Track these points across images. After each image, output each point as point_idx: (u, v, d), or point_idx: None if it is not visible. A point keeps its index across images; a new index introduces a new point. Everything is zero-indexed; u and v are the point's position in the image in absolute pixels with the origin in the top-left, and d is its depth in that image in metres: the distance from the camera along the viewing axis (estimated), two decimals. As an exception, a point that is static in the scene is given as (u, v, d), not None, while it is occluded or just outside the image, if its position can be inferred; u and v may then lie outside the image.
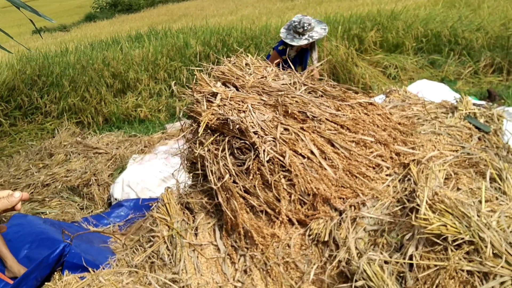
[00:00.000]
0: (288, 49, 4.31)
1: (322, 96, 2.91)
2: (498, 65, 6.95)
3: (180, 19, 16.16)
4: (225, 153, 2.65)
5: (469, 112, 2.90)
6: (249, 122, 2.66)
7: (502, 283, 1.89)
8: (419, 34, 7.69)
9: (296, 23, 4.12)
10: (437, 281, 1.92)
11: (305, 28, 4.06)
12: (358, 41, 7.69)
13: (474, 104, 4.79)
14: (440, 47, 7.54)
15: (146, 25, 14.55)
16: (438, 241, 1.99)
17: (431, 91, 5.34)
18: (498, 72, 6.93)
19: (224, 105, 2.81)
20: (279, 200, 2.51)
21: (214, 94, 2.91)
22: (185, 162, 3.03)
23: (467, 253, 1.96)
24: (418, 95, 5.41)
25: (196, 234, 2.70)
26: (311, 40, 4.09)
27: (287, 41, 4.19)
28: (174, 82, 3.46)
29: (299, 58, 4.48)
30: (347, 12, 9.24)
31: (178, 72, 7.70)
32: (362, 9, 10.34)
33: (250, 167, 2.58)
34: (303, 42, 4.08)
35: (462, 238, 1.95)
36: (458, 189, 2.35)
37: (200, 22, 11.92)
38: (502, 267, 1.90)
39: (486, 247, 1.92)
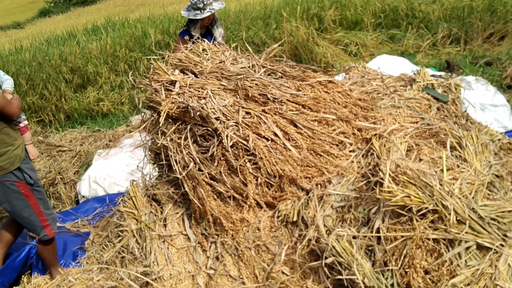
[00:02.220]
0: (191, 29, 4.46)
1: (281, 77, 2.90)
2: (455, 35, 7.06)
3: (138, 9, 15.82)
4: (188, 141, 2.61)
5: (427, 84, 2.95)
6: (210, 108, 2.63)
7: (467, 248, 1.94)
8: (377, 10, 7.74)
9: (196, 1, 4.27)
10: (404, 252, 1.95)
11: (205, 2, 4.23)
12: (318, 20, 7.69)
13: (433, 76, 4.88)
14: (398, 21, 7.61)
15: (103, 17, 14.17)
16: (403, 212, 2.02)
17: (391, 65, 5.40)
18: (456, 43, 7.05)
19: (184, 92, 2.77)
20: (246, 185, 2.50)
21: (173, 82, 2.86)
22: (149, 153, 2.98)
23: (432, 221, 1.99)
24: (379, 70, 5.47)
25: (165, 225, 2.67)
26: (213, 11, 4.28)
27: (191, 17, 4.33)
28: (131, 73, 3.40)
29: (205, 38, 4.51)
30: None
31: (138, 63, 7.55)
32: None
33: (215, 153, 2.56)
34: (206, 14, 4.24)
35: (426, 208, 1.99)
36: (420, 160, 2.39)
37: (158, 11, 11.70)
38: (466, 232, 1.95)
39: (449, 214, 1.96)
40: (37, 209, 2.89)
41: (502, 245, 1.95)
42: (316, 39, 7.15)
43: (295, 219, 2.35)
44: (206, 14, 4.27)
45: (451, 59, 5.67)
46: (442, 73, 5.11)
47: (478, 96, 4.08)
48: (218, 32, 4.54)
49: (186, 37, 4.49)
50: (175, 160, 2.62)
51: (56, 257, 3.04)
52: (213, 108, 2.65)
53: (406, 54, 6.78)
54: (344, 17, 7.86)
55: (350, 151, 2.58)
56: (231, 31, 7.82)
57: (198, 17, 4.29)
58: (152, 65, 3.06)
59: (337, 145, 2.61)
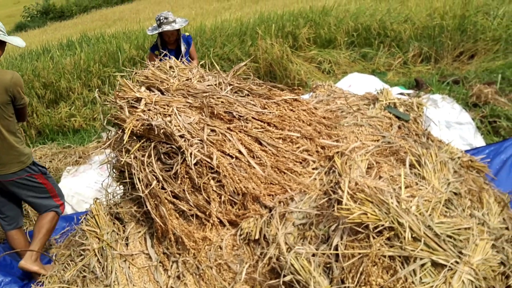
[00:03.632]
0: (159, 44, 4.87)
1: (248, 95, 2.92)
2: (426, 54, 7.23)
3: (115, 24, 15.81)
4: (152, 159, 2.61)
5: (389, 102, 3.01)
6: (175, 126, 2.63)
7: (422, 265, 1.97)
8: (350, 28, 7.88)
9: (157, 19, 4.70)
10: (361, 269, 1.97)
11: (161, 21, 4.59)
12: (292, 38, 7.80)
13: (401, 94, 4.98)
14: (371, 40, 7.76)
15: (80, 31, 14.11)
16: (360, 229, 2.04)
17: (362, 83, 5.50)
18: (426, 61, 7.21)
19: (149, 110, 2.77)
20: (209, 203, 2.50)
21: (138, 100, 2.86)
22: (114, 171, 2.97)
23: (388, 239, 2.02)
24: (350, 88, 5.57)
25: (127, 244, 2.64)
26: (174, 27, 4.61)
27: (155, 32, 4.75)
28: (97, 90, 3.43)
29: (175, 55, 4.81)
30: (281, 10, 9.34)
31: (112, 78, 7.52)
32: (296, 6, 10.51)
33: (178, 171, 2.56)
34: (167, 28, 4.58)
35: (382, 225, 2.02)
36: (380, 177, 2.42)
37: (135, 26, 11.71)
38: (421, 250, 1.98)
39: (405, 231, 1.99)
40: (53, 193, 3.37)
41: (457, 262, 1.98)
42: (290, 56, 7.24)
43: (257, 237, 2.36)
44: (166, 28, 4.58)
45: (420, 78, 5.80)
46: (411, 91, 5.24)
47: (444, 114, 4.18)
48: (183, 48, 4.82)
49: (157, 52, 4.74)
50: (138, 178, 2.61)
51: (50, 235, 3.33)
52: (178, 126, 2.65)
53: (377, 72, 6.91)
54: (318, 36, 7.99)
55: (313, 169, 2.61)
56: (207, 47, 7.86)
57: (159, 30, 4.62)
58: (118, 82, 3.06)
59: (301, 163, 2.64)
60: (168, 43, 4.88)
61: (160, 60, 3.26)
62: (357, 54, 7.66)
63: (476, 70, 6.02)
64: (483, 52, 6.77)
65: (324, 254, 2.10)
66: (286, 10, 8.99)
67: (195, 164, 2.51)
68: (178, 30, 4.81)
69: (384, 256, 1.97)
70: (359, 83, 5.53)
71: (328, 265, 2.09)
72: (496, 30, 6.86)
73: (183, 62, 3.26)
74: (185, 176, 2.56)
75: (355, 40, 7.87)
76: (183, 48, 4.84)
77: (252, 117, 2.72)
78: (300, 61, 7.40)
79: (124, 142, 2.71)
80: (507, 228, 2.53)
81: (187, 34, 5.24)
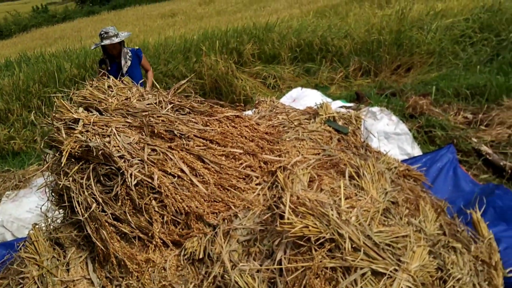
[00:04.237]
0: (105, 58, 4.94)
1: (189, 113, 2.91)
2: (366, 68, 7.50)
3: (56, 42, 15.41)
4: (91, 181, 2.54)
5: (329, 116, 3.08)
6: (114, 146, 2.58)
7: (362, 274, 2.01)
8: (293, 44, 8.06)
9: (99, 34, 4.82)
10: (304, 282, 1.99)
11: (102, 35, 4.71)
12: (237, 54, 7.88)
13: (343, 107, 5.12)
14: (313, 55, 7.97)
15: (19, 51, 13.63)
16: (302, 242, 2.07)
17: (306, 97, 5.62)
18: (367, 75, 7.48)
19: (87, 131, 2.70)
20: (151, 224, 2.46)
21: (76, 120, 2.79)
22: (52, 195, 2.87)
23: (330, 250, 2.06)
24: (294, 102, 5.67)
25: (68, 270, 2.54)
26: (113, 41, 4.68)
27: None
28: (33, 112, 3.33)
29: (119, 71, 4.92)
30: (225, 26, 9.42)
31: (52, 99, 7.28)
32: (240, 22, 10.64)
33: (119, 193, 2.50)
34: (106, 42, 4.69)
35: (324, 237, 2.05)
36: (321, 189, 2.47)
37: (77, 44, 11.45)
38: (361, 259, 2.02)
39: (345, 242, 2.03)
40: None
41: (396, 269, 2.04)
42: (235, 72, 7.31)
43: (201, 256, 2.33)
44: (106, 42, 4.66)
45: (360, 91, 5.99)
46: (352, 104, 5.40)
47: (382, 125, 4.33)
48: (123, 62, 4.87)
49: (104, 66, 4.87)
50: (78, 201, 2.53)
51: None
52: (117, 146, 2.60)
53: (321, 86, 7.09)
54: (263, 51, 8.12)
55: (257, 184, 2.62)
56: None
57: (99, 44, 4.74)
58: (55, 103, 2.98)
59: (244, 179, 2.65)
60: (115, 57, 4.92)
61: (108, 71, 3.24)
62: (301, 69, 7.83)
63: (412, 82, 6.29)
64: (418, 65, 7.10)
65: (268, 269, 2.11)
66: (230, 26, 9.08)
67: (135, 185, 2.46)
68: (121, 44, 4.85)
69: (326, 268, 2.00)
70: (303, 97, 5.65)
71: (272, 280, 2.09)
72: (430, 44, 7.22)
73: (121, 79, 3.21)
74: (126, 197, 2.50)
75: (299, 56, 8.05)
76: (123, 62, 4.88)
77: (194, 135, 2.71)
78: (245, 76, 7.48)
79: (62, 164, 2.63)
80: (444, 234, 2.64)
81: (136, 47, 5.29)
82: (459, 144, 4.16)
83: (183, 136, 2.70)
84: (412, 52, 7.25)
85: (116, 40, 4.69)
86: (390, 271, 2.01)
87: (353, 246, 2.05)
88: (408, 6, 7.92)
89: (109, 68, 4.87)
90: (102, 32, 4.75)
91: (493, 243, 2.71)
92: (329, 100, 5.61)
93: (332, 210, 2.16)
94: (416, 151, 4.19)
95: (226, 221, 2.44)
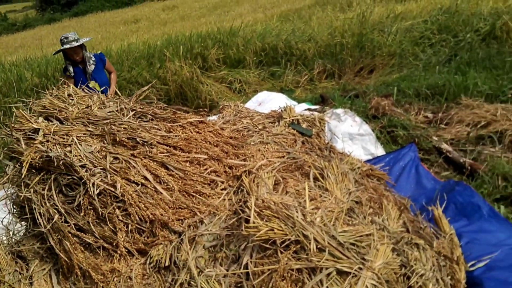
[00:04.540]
0: (67, 67, 4.89)
1: (152, 119, 2.89)
2: (330, 71, 7.59)
3: (17, 51, 15.01)
4: (53, 192, 2.48)
5: (293, 119, 3.11)
6: (75, 156, 2.53)
7: (328, 274, 2.03)
8: (257, 48, 8.09)
9: (62, 37, 4.79)
10: (270, 285, 2.00)
11: (63, 40, 4.71)
12: (202, 59, 7.85)
13: (309, 109, 5.17)
14: (278, 59, 8.01)
15: (-23, 60, 13.20)
16: (268, 246, 2.07)
17: (271, 101, 5.65)
18: (331, 77, 7.57)
19: (47, 141, 2.64)
20: (116, 233, 2.42)
21: (36, 130, 2.72)
22: (14, 207, 2.78)
23: (295, 252, 2.07)
24: (260, 106, 5.68)
25: (31, 283, 2.47)
26: (72, 45, 4.66)
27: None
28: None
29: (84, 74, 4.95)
30: (189, 31, 9.39)
31: (14, 109, 7.08)
32: (205, 27, 10.62)
33: (81, 203, 2.45)
34: (65, 47, 4.67)
35: (289, 239, 2.06)
36: (287, 192, 2.49)
37: (38, 53, 11.19)
38: (326, 259, 2.05)
39: (310, 243, 2.05)
40: None
41: (360, 268, 2.07)
42: (200, 77, 7.28)
43: (167, 263, 2.31)
44: (65, 46, 4.64)
45: (324, 93, 6.06)
46: (317, 107, 5.46)
47: (346, 127, 4.39)
48: (88, 66, 4.84)
49: (68, 73, 4.86)
50: (39, 213, 2.47)
51: None
52: (79, 155, 2.56)
53: (286, 89, 7.13)
54: (227, 56, 8.12)
55: (222, 189, 2.62)
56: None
57: (60, 49, 4.74)
58: (14, 113, 2.90)
59: (209, 184, 2.64)
60: (78, 63, 4.89)
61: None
62: (266, 73, 7.86)
63: (374, 83, 6.41)
64: (380, 66, 7.24)
65: (234, 274, 2.11)
66: (194, 31, 9.05)
67: (98, 194, 2.43)
68: (82, 48, 4.82)
69: (292, 270, 2.01)
70: (269, 101, 5.68)
71: (239, 285, 2.09)
72: (391, 46, 7.37)
73: (87, 84, 3.16)
74: (89, 207, 2.46)
75: (264, 60, 8.09)
76: (88, 67, 4.85)
77: (157, 142, 2.69)
78: (210, 81, 7.46)
79: (23, 176, 2.56)
80: (407, 231, 2.70)
81: (98, 52, 5.26)
82: (421, 142, 4.26)
83: (146, 143, 2.67)
84: (374, 54, 7.38)
85: (75, 44, 4.66)
86: (355, 270, 2.04)
87: (318, 247, 2.07)
88: (369, 10, 8.09)
89: (72, 74, 4.84)
90: (62, 38, 4.74)
91: (455, 238, 2.78)
92: (295, 103, 5.66)
93: (297, 212, 2.18)
94: (380, 151, 4.26)
95: (191, 227, 2.43)
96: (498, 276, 2.48)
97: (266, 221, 2.13)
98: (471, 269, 2.60)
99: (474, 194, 3.24)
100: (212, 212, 2.49)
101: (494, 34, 6.83)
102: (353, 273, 2.04)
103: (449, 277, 2.46)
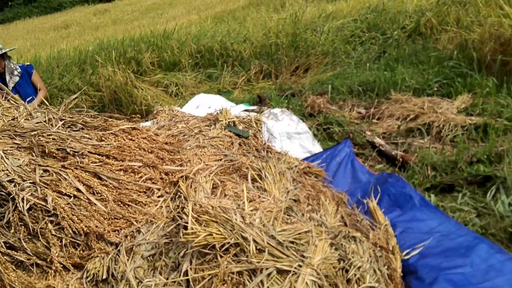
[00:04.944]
0: None
1: (82, 128, 2.79)
2: (267, 71, 7.67)
3: None
4: (-23, 211, 2.34)
5: (229, 121, 3.11)
6: (2, 171, 2.41)
7: (268, 275, 2.05)
8: (193, 51, 8.05)
9: None
10: (211, 290, 1.98)
11: None
12: (136, 63, 7.71)
13: (247, 110, 5.19)
14: (214, 61, 8.01)
15: None
16: (207, 251, 2.06)
17: (209, 103, 5.62)
18: (268, 78, 7.65)
19: (-31, 157, 2.49)
20: (49, 249, 2.32)
21: (-44, 146, 2.56)
22: None
23: (235, 255, 2.07)
24: (198, 109, 5.64)
25: (-43, 311, 2.32)
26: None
27: None
28: None
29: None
30: (122, 35, 9.19)
31: None
32: (138, 31, 10.42)
33: (11, 219, 2.33)
34: None
35: (228, 242, 2.06)
36: (225, 195, 2.49)
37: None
38: (266, 260, 2.06)
39: (249, 245, 2.06)
40: None
41: (300, 265, 2.10)
42: (134, 82, 7.13)
43: (105, 276, 2.24)
44: None
45: (262, 94, 6.11)
46: (255, 107, 5.49)
47: (284, 126, 4.44)
48: (12, 81, 4.57)
49: None
50: (-37, 234, 2.32)
51: None
52: (6, 170, 2.43)
53: (224, 91, 7.13)
54: (162, 59, 8.02)
55: (159, 197, 2.58)
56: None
57: None
58: None
59: (145, 192, 2.59)
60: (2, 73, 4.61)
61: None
62: (203, 75, 7.83)
63: (310, 82, 6.55)
64: (315, 65, 7.40)
65: (175, 282, 2.08)
66: (127, 35, 8.87)
67: (29, 210, 2.32)
68: (4, 58, 4.56)
69: (233, 273, 2.01)
70: (206, 104, 5.65)
71: (180, 292, 2.07)
72: (324, 45, 7.56)
73: (6, 96, 3.01)
74: (19, 223, 2.34)
75: (200, 62, 8.05)
76: (7, 78, 4.57)
77: (89, 152, 2.60)
78: (146, 86, 7.33)
79: None
80: (345, 225, 2.77)
81: (26, 63, 4.96)
82: (355, 138, 4.39)
83: (76, 153, 2.58)
84: (308, 54, 7.53)
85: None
86: (295, 268, 2.07)
87: (258, 247, 2.09)
88: (301, 10, 8.24)
89: None
90: None
91: (389, 229, 2.88)
92: (233, 104, 5.67)
93: (235, 214, 2.18)
94: (317, 148, 4.35)
95: (128, 237, 2.37)
96: (431, 263, 2.60)
97: (204, 226, 2.12)
98: (406, 257, 2.71)
99: (406, 185, 3.39)
100: (149, 221, 2.44)
101: (419, 30, 7.16)
102: (293, 271, 2.06)
103: (386, 267, 2.54)
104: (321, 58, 7.44)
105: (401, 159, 3.91)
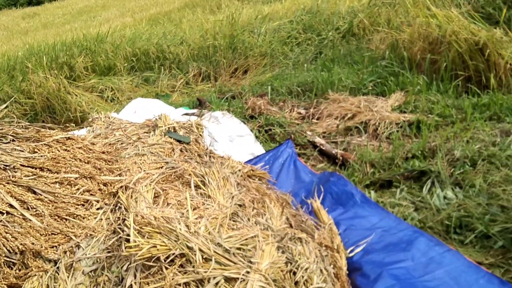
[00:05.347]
0: None
1: (13, 140, 2.63)
2: (205, 73, 7.60)
3: None
4: None
5: (169, 127, 3.04)
6: None
7: (216, 283, 2.01)
8: (128, 54, 7.84)
9: None
10: (157, 303, 1.92)
11: None
12: (68, 68, 7.40)
13: (186, 114, 5.11)
14: (151, 64, 7.84)
15: None
16: (152, 263, 2.00)
17: (147, 108, 5.49)
18: (207, 80, 7.58)
19: None
20: (-20, 271, 2.16)
21: None
22: None
23: (181, 266, 2.02)
24: (135, 114, 5.49)
25: None
26: None
27: None
28: None
29: None
30: (53, 40, 8.79)
31: None
32: (70, 34, 10.03)
33: None
34: None
35: (174, 253, 2.01)
36: (168, 204, 2.42)
37: None
38: (214, 268, 2.02)
39: (195, 255, 2.01)
40: None
41: (248, 272, 2.08)
42: (68, 88, 6.82)
43: (43, 296, 2.12)
44: None
45: (201, 97, 6.05)
46: (195, 110, 5.43)
47: (225, 129, 4.42)
48: None
49: None
50: None
51: None
52: None
53: (162, 95, 6.99)
54: (97, 63, 7.76)
55: (98, 209, 2.47)
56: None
57: None
58: None
59: (83, 205, 2.47)
60: None
61: None
62: (140, 79, 7.64)
63: (249, 84, 6.56)
64: (254, 67, 7.42)
65: (119, 297, 2.00)
66: (58, 40, 8.50)
67: (-46, 231, 2.14)
68: None
69: (179, 284, 1.96)
70: (144, 108, 5.51)
71: (125, 308, 1.99)
72: (262, 46, 7.60)
73: None
74: None
75: (136, 65, 7.86)
76: None
77: (21, 165, 2.45)
78: (80, 91, 7.04)
79: None
80: (290, 226, 2.79)
81: None
82: (296, 138, 4.44)
83: (8, 167, 2.43)
84: (246, 55, 7.54)
85: None
86: (243, 275, 2.05)
87: (204, 257, 2.05)
88: (238, 11, 8.25)
89: None
90: None
91: (334, 228, 2.93)
92: (172, 108, 5.57)
93: (179, 224, 2.13)
94: (259, 150, 4.36)
95: (67, 253, 2.25)
96: (375, 258, 2.66)
97: (147, 238, 2.05)
98: (350, 255, 2.76)
99: (347, 183, 3.46)
100: (88, 235, 2.33)
101: (352, 31, 7.36)
102: (241, 278, 2.04)
103: (332, 266, 2.58)
104: (259, 59, 7.47)
105: (341, 158, 4.00)
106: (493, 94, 4.42)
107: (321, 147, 4.28)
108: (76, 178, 2.51)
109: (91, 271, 2.18)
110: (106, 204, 2.48)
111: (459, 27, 4.73)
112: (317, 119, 4.85)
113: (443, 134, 3.87)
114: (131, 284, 2.00)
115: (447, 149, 3.58)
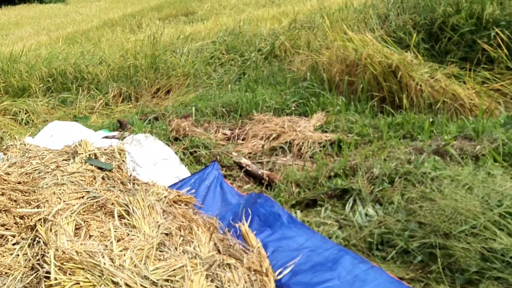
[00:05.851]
0: None
1: None
2: (126, 93, 7.42)
3: None
4: None
5: (90, 154, 2.92)
6: None
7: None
8: (44, 74, 7.51)
9: None
10: None
11: None
12: (-23, 90, 6.93)
13: (106, 137, 4.95)
14: (68, 84, 7.55)
15: None
16: (75, 302, 1.89)
17: (64, 131, 5.24)
18: (128, 101, 7.40)
19: None
20: None
21: None
22: None
23: (107, 302, 1.93)
24: (52, 138, 5.22)
25: None
26: None
27: None
28: None
29: None
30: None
31: None
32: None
33: None
34: None
35: (97, 290, 1.91)
36: (90, 236, 2.31)
37: None
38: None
39: (121, 290, 1.93)
40: None
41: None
42: (-23, 111, 6.39)
43: None
44: None
45: (122, 119, 5.88)
46: (116, 133, 5.26)
47: (149, 152, 4.32)
48: None
49: None
50: None
51: None
52: None
53: (79, 117, 6.72)
54: (9, 84, 7.36)
55: (14, 244, 2.31)
56: None
57: None
58: None
59: (-3, 241, 2.30)
60: None
61: None
62: (56, 100, 7.30)
63: (173, 104, 6.49)
64: (177, 87, 7.36)
65: None
66: (-34, 59, 7.95)
67: None
68: None
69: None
70: (61, 132, 5.26)
71: None
72: (185, 66, 7.58)
73: None
74: None
75: (52, 86, 7.53)
76: None
77: None
78: (-9, 114, 6.61)
79: None
80: (219, 251, 2.76)
81: None
82: (222, 160, 4.43)
83: None
84: (169, 75, 7.48)
85: None
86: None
87: (130, 291, 1.97)
88: (159, 31, 8.18)
89: None
90: None
91: (262, 251, 2.94)
92: (91, 131, 5.36)
93: (103, 257, 2.04)
94: (185, 173, 4.30)
95: (-22, 297, 2.08)
96: (303, 279, 2.69)
97: (70, 274, 1.94)
98: (279, 277, 2.77)
99: (274, 204, 3.50)
100: (4, 273, 2.17)
101: (274, 53, 7.56)
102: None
103: (261, 290, 2.59)
104: (182, 79, 7.43)
105: (267, 178, 4.04)
106: (405, 113, 4.70)
107: (247, 168, 4.30)
108: (-13, 213, 2.33)
109: (5, 314, 2.03)
110: (23, 238, 2.32)
111: (374, 51, 5.01)
112: (243, 140, 4.88)
113: (362, 153, 4.04)
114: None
115: (367, 167, 3.73)
